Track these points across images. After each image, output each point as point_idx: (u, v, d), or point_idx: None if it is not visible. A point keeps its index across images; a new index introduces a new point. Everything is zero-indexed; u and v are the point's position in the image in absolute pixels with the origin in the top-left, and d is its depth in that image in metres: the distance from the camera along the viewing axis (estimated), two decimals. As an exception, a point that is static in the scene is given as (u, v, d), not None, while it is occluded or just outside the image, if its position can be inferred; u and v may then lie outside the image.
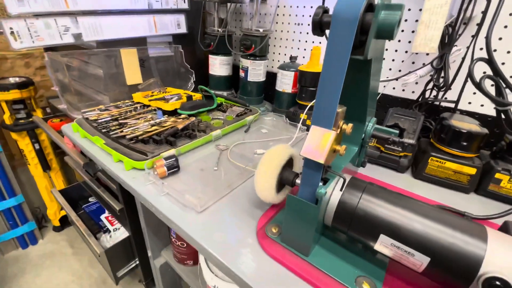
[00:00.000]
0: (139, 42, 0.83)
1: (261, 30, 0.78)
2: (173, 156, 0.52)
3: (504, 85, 0.43)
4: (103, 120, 0.66)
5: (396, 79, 0.62)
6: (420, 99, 0.65)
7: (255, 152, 0.61)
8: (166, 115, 0.70)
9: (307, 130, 0.65)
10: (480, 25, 0.55)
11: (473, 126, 0.51)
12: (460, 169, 0.51)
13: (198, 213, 0.42)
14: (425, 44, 0.57)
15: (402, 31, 0.66)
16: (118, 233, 1.15)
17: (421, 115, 0.58)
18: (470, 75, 0.44)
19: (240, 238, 0.38)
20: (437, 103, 0.64)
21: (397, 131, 0.38)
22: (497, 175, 0.50)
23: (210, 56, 0.93)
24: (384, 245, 0.29)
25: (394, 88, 0.70)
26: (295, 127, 0.76)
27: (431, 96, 0.64)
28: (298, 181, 0.37)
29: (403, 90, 0.69)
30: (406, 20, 0.65)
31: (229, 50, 0.86)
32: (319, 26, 0.26)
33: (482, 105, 0.61)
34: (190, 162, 0.56)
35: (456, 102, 0.60)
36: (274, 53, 0.93)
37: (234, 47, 0.95)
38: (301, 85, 0.77)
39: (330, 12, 0.24)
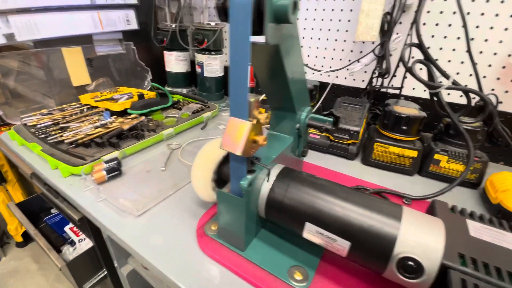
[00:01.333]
0: (84, 40, 0.78)
1: (213, 23, 0.76)
2: (115, 159, 0.49)
3: (434, 69, 0.44)
4: (42, 125, 0.61)
5: (341, 69, 0.63)
6: (368, 87, 0.66)
7: (208, 149, 0.59)
8: (114, 116, 0.66)
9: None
10: (417, 12, 0.57)
11: (412, 110, 0.53)
12: (403, 152, 0.53)
13: (136, 217, 0.40)
14: (367, 33, 0.58)
15: (349, 20, 0.67)
16: (84, 244, 1.10)
17: (367, 102, 0.59)
18: (402, 60, 0.45)
19: (179, 239, 0.36)
20: (384, 90, 0.66)
21: (331, 119, 0.39)
22: (436, 156, 0.52)
23: (165, 52, 0.89)
24: (310, 233, 0.29)
25: (345, 78, 0.71)
26: (252, 121, 0.76)
27: (378, 84, 0.66)
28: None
29: (354, 79, 0.70)
30: (351, 10, 0.66)
31: (184, 45, 0.83)
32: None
33: (424, 90, 0.64)
34: (136, 164, 0.53)
35: (400, 89, 0.62)
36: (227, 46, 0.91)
37: (187, 42, 0.92)
38: (257, 79, 0.76)
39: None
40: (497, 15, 0.53)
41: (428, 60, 0.45)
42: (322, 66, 0.73)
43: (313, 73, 0.68)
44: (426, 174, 0.54)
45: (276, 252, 0.33)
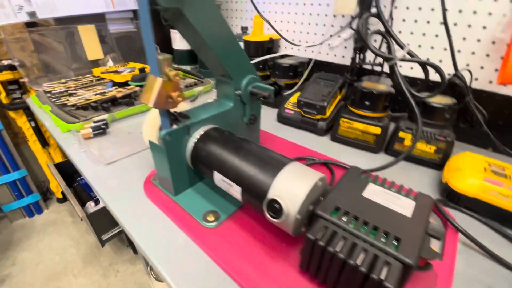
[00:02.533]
0: (98, 19, 0.88)
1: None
2: (103, 120, 0.58)
3: (392, 41, 0.43)
4: (57, 91, 0.72)
5: (319, 44, 0.62)
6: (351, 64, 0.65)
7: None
8: (116, 86, 0.75)
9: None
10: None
11: (380, 86, 0.52)
12: (366, 129, 0.53)
13: (105, 165, 0.48)
14: (344, 6, 0.57)
15: None
16: (104, 201, 1.26)
17: (340, 78, 0.59)
18: (359, 31, 0.44)
19: (130, 184, 0.43)
20: (367, 67, 0.64)
21: (273, 88, 0.41)
22: (401, 134, 0.51)
23: (171, 30, 0.96)
24: (217, 181, 0.33)
25: (327, 54, 0.70)
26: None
27: (368, 61, 0.64)
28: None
29: (335, 55, 0.69)
30: None
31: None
32: None
33: (411, 68, 0.61)
34: (122, 126, 0.61)
35: (382, 65, 0.60)
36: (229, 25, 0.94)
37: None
38: (249, 55, 0.79)
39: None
40: (488, -17, 0.48)
41: (387, 32, 0.43)
42: (307, 42, 0.73)
43: (292, 48, 0.69)
44: (391, 152, 0.53)
45: (203, 200, 0.38)
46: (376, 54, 0.43)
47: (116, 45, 0.93)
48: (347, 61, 0.69)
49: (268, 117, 0.69)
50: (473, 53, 0.51)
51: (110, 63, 0.89)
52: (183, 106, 0.40)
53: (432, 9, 0.53)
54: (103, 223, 1.22)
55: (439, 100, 0.47)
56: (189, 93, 0.78)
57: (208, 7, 0.32)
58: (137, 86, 0.75)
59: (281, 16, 0.77)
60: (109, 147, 0.52)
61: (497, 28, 0.47)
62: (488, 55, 0.50)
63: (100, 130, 0.56)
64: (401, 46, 0.41)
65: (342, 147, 0.56)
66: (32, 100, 0.75)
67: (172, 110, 0.35)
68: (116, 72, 0.80)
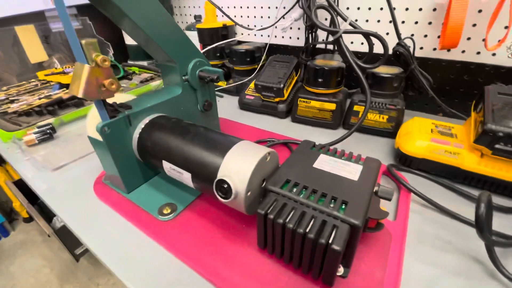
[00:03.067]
0: (38, 18, 0.80)
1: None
2: (49, 124, 0.53)
3: (336, 14, 0.43)
4: (-5, 99, 0.66)
5: (270, 26, 0.62)
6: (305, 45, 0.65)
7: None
8: (63, 88, 0.70)
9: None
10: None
11: (332, 62, 0.53)
12: (322, 106, 0.53)
13: (52, 171, 0.44)
14: (291, -15, 0.56)
15: None
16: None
17: (294, 59, 0.59)
18: (302, 7, 0.44)
19: (80, 187, 0.40)
20: (321, 46, 0.64)
21: (221, 70, 0.39)
22: (355, 108, 0.52)
23: (122, 26, 0.90)
24: (168, 170, 0.32)
25: (283, 37, 0.70)
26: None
27: (316, 41, 0.64)
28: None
29: (290, 37, 0.69)
30: None
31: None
32: None
33: (362, 43, 0.62)
34: (72, 129, 0.57)
35: (333, 43, 0.60)
36: (181, 14, 0.91)
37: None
38: (203, 44, 0.77)
39: None
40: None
41: (330, 6, 0.44)
42: (262, 26, 0.72)
43: (248, 34, 0.68)
44: (348, 126, 0.54)
45: (159, 193, 0.36)
46: (321, 28, 0.43)
47: (61, 44, 0.86)
48: (301, 43, 0.69)
49: (230, 105, 0.68)
50: (416, 22, 0.53)
51: (56, 64, 0.82)
52: (124, 98, 0.37)
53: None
54: (74, 237, 1.15)
55: (386, 71, 0.49)
56: (145, 88, 0.74)
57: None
58: (87, 86, 0.70)
59: (233, 1, 0.75)
60: (56, 152, 0.49)
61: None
62: (430, 23, 0.53)
63: (46, 135, 0.52)
64: (344, 19, 0.41)
65: (303, 126, 0.57)
66: (-33, 112, 0.67)
67: (110, 100, 0.33)
68: (63, 73, 0.74)
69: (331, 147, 0.33)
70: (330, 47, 0.65)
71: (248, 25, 0.74)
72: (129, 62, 0.96)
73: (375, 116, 0.50)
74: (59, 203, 0.38)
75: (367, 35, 0.42)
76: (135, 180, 0.37)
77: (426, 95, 0.51)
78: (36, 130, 0.51)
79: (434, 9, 0.51)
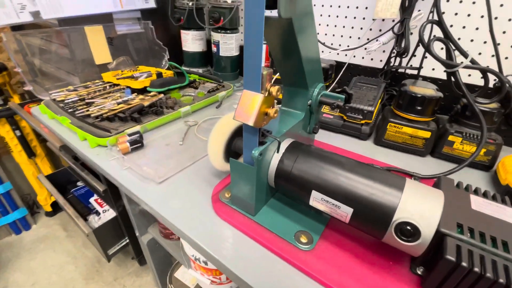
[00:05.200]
0: (105, 19, 0.81)
1: (229, 0, 0.76)
2: (137, 132, 0.53)
3: (453, 48, 0.43)
4: (70, 100, 0.66)
5: (358, 47, 0.62)
6: (385, 67, 0.65)
7: (222, 126, 0.62)
8: (135, 93, 0.70)
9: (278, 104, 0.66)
10: (441, -13, 0.54)
11: (428, 90, 0.52)
12: (416, 133, 0.53)
13: (158, 183, 0.44)
14: (386, 9, 0.56)
15: None
16: (108, 214, 1.18)
17: (382, 82, 0.59)
18: (420, 38, 0.44)
19: (196, 203, 0.40)
20: (401, 70, 0.64)
21: (343, 96, 0.39)
22: (450, 137, 0.52)
23: (182, 31, 0.91)
24: (316, 201, 0.31)
25: (363, 58, 0.70)
26: (266, 101, 0.77)
27: (396, 64, 0.64)
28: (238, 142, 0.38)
29: (372, 59, 0.69)
30: None
31: (200, 24, 0.84)
32: None
33: (444, 71, 0.62)
34: (156, 138, 0.57)
35: (418, 69, 0.61)
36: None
37: (203, 20, 0.92)
38: (272, 58, 0.77)
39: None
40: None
41: (447, 38, 0.44)
42: (340, 45, 0.72)
43: (329, 52, 0.68)
44: (439, 155, 0.54)
45: (284, 218, 0.36)
46: (440, 61, 0.43)
47: (125, 47, 0.86)
48: (376, 64, 0.69)
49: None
50: None
51: (120, 67, 0.82)
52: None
53: (482, 17, 0.54)
54: (110, 237, 1.15)
55: (484, 105, 0.49)
56: (213, 99, 0.74)
57: (311, 21, 0.30)
58: (159, 92, 0.70)
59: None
60: (150, 162, 0.48)
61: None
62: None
63: (138, 144, 0.51)
64: (465, 55, 0.41)
65: (388, 151, 0.56)
66: (39, 111, 0.67)
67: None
68: (132, 77, 0.74)
69: (476, 187, 0.33)
70: (411, 71, 0.65)
71: (324, 43, 0.74)
72: (184, 67, 0.96)
73: (472, 148, 0.50)
74: (180, 220, 0.37)
75: (485, 71, 0.42)
76: (260, 203, 0.37)
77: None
78: (128, 138, 0.51)
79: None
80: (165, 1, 0.92)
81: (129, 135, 0.52)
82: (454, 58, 0.44)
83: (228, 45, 0.83)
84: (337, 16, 0.70)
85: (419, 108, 0.52)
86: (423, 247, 0.25)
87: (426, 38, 0.53)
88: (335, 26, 0.71)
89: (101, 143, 0.53)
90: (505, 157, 0.48)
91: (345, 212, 0.29)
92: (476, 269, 0.23)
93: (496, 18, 0.53)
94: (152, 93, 0.70)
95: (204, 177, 0.46)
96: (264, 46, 0.28)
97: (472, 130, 0.50)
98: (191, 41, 0.90)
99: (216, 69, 0.90)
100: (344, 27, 0.70)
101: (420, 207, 0.25)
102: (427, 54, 0.59)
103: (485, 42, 0.55)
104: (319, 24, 0.74)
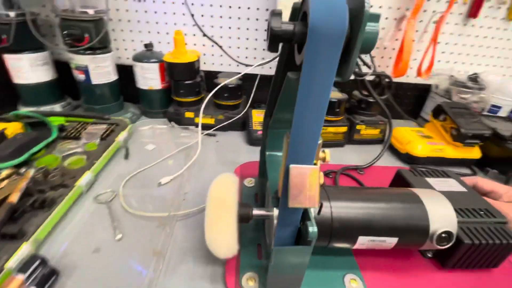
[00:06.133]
0: None
1: (91, 11, 0.54)
2: (34, 258, 0.30)
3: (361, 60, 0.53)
4: None
5: (271, 60, 0.63)
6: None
7: (160, 183, 0.47)
8: (-37, 184, 0.39)
9: (208, 130, 0.57)
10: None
11: (337, 94, 0.62)
12: (337, 130, 0.63)
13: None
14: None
15: (267, 9, 0.66)
16: None
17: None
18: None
19: None
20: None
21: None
22: (358, 127, 0.65)
23: (6, 56, 0.57)
24: (364, 244, 0.31)
25: (270, 68, 0.72)
26: (186, 130, 0.65)
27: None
28: (255, 212, 0.31)
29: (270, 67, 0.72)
30: None
31: (40, 42, 0.56)
32: (276, 40, 0.18)
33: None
34: (67, 247, 0.35)
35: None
36: (115, 39, 0.70)
37: (45, 36, 0.62)
38: (174, 79, 0.64)
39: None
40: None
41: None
42: (246, 57, 0.71)
43: (237, 65, 0.65)
44: (353, 142, 0.67)
45: (320, 272, 0.33)
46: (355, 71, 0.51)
47: None
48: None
49: (234, 142, 0.63)
50: (382, 57, 0.72)
51: None
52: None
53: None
54: None
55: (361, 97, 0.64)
56: (114, 148, 0.53)
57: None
58: (15, 167, 0.43)
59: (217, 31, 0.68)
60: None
61: (385, 38, 0.69)
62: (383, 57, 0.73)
63: (52, 278, 0.30)
64: (369, 67, 0.51)
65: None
66: None
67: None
68: None
69: (424, 169, 0.43)
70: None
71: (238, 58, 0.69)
72: (24, 109, 0.63)
73: (373, 131, 0.66)
74: None
75: (379, 75, 0.55)
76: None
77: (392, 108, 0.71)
78: (20, 276, 0.28)
79: (385, 48, 0.72)
80: None
81: (21, 270, 0.29)
82: (360, 68, 0.54)
83: (102, 69, 0.61)
84: (239, 28, 0.68)
85: (337, 110, 0.60)
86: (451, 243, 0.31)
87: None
88: (238, 38, 0.68)
89: None
90: (394, 131, 0.65)
91: (390, 243, 0.31)
92: (484, 242, 0.32)
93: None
94: (4, 173, 0.41)
95: (199, 274, 0.33)
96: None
97: (369, 118, 0.65)
98: (29, 68, 0.59)
99: (88, 102, 0.65)
100: (247, 39, 0.68)
101: (442, 214, 0.31)
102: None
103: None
104: (221, 37, 0.69)
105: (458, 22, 0.70)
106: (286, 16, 0.57)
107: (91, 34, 0.55)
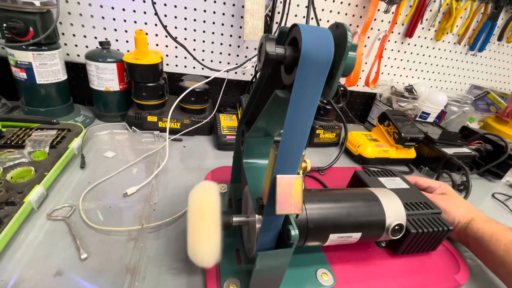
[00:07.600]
0: None
1: (37, 2, 0.47)
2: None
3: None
4: None
5: (237, 67, 0.64)
6: (254, 80, 0.73)
7: (126, 194, 0.44)
8: None
9: (174, 134, 0.55)
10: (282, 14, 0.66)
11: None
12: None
13: None
14: (254, 33, 0.61)
15: (232, 15, 0.66)
16: None
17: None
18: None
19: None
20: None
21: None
22: (317, 131, 0.70)
23: None
24: (333, 240, 0.34)
25: (236, 73, 0.73)
26: (149, 135, 0.61)
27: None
28: (236, 219, 0.32)
29: (243, 74, 0.74)
30: (233, 5, 0.65)
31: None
32: (278, 62, 0.20)
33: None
34: (21, 275, 0.31)
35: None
36: (63, 33, 0.62)
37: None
38: (135, 81, 0.61)
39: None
40: (326, 21, 0.73)
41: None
42: (211, 61, 0.70)
43: (202, 68, 0.64)
44: (313, 145, 0.72)
45: (294, 270, 0.36)
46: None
47: None
48: (247, 77, 0.75)
49: (202, 147, 0.62)
50: None
51: None
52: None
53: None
54: None
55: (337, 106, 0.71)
56: (67, 157, 0.48)
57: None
58: None
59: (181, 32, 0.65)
60: None
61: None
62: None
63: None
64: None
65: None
66: None
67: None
68: None
69: (376, 170, 0.50)
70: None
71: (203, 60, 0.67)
72: None
73: (330, 135, 0.72)
74: None
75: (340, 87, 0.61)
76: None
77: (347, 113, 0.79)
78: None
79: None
80: None
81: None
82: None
83: (49, 66, 0.54)
84: (204, 31, 0.67)
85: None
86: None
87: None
88: (203, 41, 0.67)
89: None
90: (349, 134, 0.72)
91: (355, 238, 0.35)
92: (425, 230, 0.38)
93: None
94: None
95: (181, 285, 0.33)
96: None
97: (327, 123, 0.71)
98: None
99: (29, 104, 0.57)
100: (212, 43, 0.68)
101: (394, 209, 0.36)
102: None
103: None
104: (185, 38, 0.67)
105: (397, 40, 0.81)
106: (252, 25, 0.59)
107: (36, 28, 0.48)
